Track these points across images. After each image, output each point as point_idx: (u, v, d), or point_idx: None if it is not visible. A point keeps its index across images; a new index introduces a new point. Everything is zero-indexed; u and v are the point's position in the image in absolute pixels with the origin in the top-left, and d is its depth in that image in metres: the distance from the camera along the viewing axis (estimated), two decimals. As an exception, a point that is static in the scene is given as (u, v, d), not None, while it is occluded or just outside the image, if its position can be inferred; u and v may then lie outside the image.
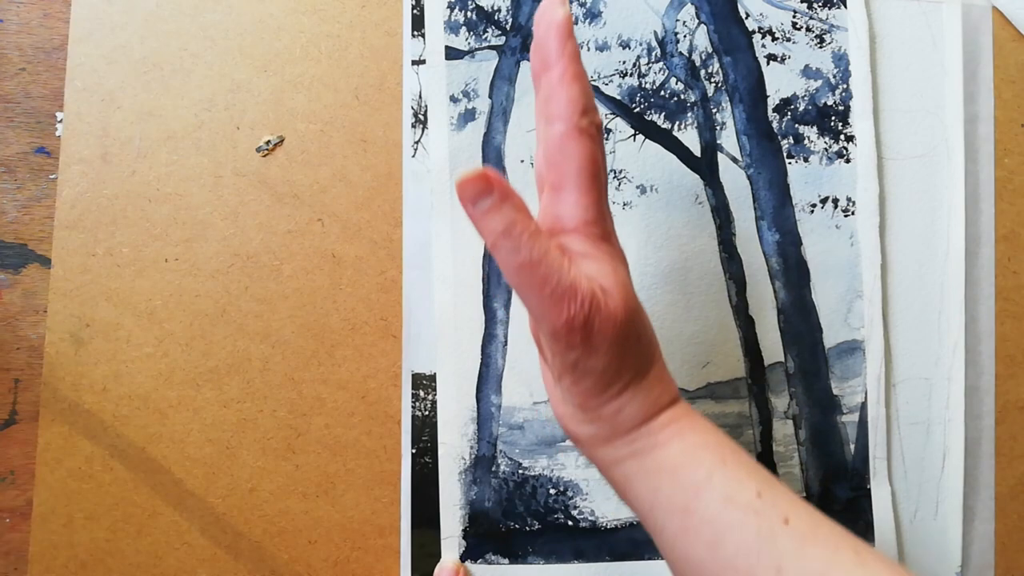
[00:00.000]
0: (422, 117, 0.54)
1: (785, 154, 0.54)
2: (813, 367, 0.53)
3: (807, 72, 0.55)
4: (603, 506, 0.52)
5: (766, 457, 0.53)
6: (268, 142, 0.53)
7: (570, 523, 0.52)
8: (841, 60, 0.55)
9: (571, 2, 0.54)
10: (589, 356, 0.36)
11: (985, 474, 0.54)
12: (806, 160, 0.54)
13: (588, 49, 0.54)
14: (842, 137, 0.54)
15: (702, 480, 0.36)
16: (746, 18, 0.55)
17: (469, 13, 0.54)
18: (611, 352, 0.36)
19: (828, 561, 0.33)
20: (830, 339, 0.53)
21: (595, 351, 0.36)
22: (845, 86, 0.55)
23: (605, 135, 0.54)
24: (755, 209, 0.54)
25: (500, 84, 0.54)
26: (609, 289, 0.36)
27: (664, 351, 0.52)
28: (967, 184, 0.55)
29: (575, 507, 0.52)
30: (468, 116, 0.54)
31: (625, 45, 0.55)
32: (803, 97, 0.55)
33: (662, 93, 0.54)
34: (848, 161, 0.54)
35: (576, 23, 0.54)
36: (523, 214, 0.34)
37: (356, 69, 0.54)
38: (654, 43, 0.55)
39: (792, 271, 0.54)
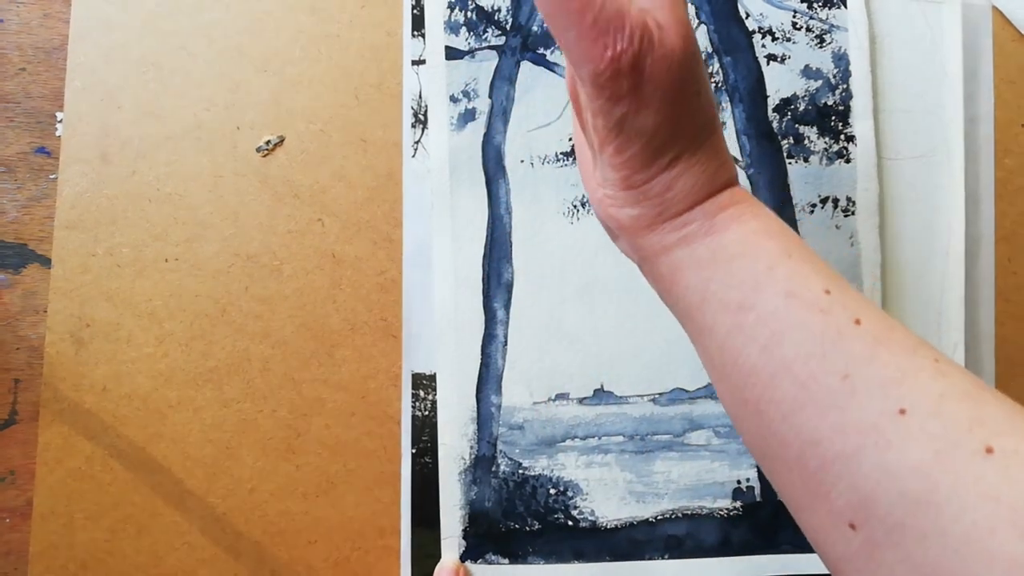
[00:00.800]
0: (422, 117, 0.54)
1: (785, 154, 0.54)
2: (813, 367, 0.53)
3: (807, 72, 0.55)
4: (603, 506, 0.52)
5: (766, 457, 0.53)
6: (268, 142, 0.53)
7: (570, 523, 0.52)
8: (841, 60, 0.55)
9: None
10: (638, 110, 0.31)
11: (985, 474, 0.54)
12: (806, 160, 0.54)
13: (588, 49, 0.54)
14: (842, 137, 0.54)
15: (762, 272, 0.31)
16: (746, 18, 0.55)
17: (469, 13, 0.54)
18: (664, 106, 0.31)
19: (903, 368, 0.28)
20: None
21: (646, 103, 0.30)
22: (845, 86, 0.55)
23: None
24: (755, 209, 0.54)
25: (500, 84, 0.54)
26: (665, 24, 0.30)
27: (664, 351, 0.53)
28: (967, 184, 0.55)
29: (575, 507, 0.52)
30: (468, 116, 0.54)
31: (625, 45, 0.55)
32: (803, 97, 0.55)
33: (662, 93, 0.54)
34: (848, 161, 0.54)
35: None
36: None
37: (356, 69, 0.54)
38: (654, 43, 0.55)
39: (792, 271, 0.54)
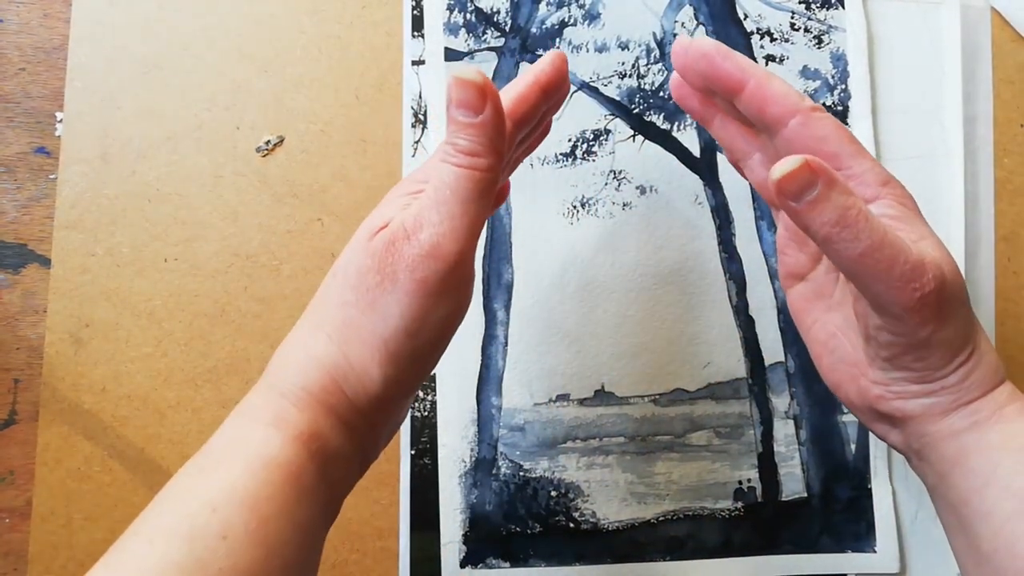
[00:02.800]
0: (422, 117, 0.54)
1: (784, 154, 0.54)
2: (813, 367, 0.53)
3: (805, 73, 0.55)
4: (604, 508, 0.52)
5: (767, 457, 0.53)
6: (268, 142, 0.53)
7: (571, 525, 0.52)
8: (839, 61, 0.55)
9: (570, 3, 0.54)
10: (941, 327, 0.33)
11: (987, 474, 0.54)
12: (805, 160, 0.54)
13: (587, 51, 0.55)
14: (841, 137, 0.54)
15: None
16: (744, 19, 0.55)
17: (468, 15, 0.54)
18: (959, 317, 0.34)
19: None
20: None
21: (947, 320, 0.33)
22: (843, 87, 0.55)
23: (604, 136, 0.54)
24: (755, 209, 0.54)
25: (499, 85, 0.54)
26: (938, 253, 0.33)
27: (664, 351, 0.53)
28: (966, 184, 0.55)
29: (576, 509, 0.52)
30: (468, 117, 0.54)
31: (624, 46, 0.55)
32: (802, 97, 0.55)
33: (661, 94, 0.55)
34: (847, 161, 0.54)
35: (574, 24, 0.55)
36: (852, 196, 0.31)
37: (356, 69, 0.54)
38: (653, 44, 0.55)
39: (792, 271, 0.54)
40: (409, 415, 0.52)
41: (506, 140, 0.35)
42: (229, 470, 0.31)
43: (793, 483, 0.53)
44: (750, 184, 0.42)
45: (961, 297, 0.34)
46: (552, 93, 0.39)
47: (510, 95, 0.38)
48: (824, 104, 0.54)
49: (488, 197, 0.35)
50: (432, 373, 0.52)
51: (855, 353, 0.38)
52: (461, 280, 0.35)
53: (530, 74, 0.38)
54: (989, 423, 0.34)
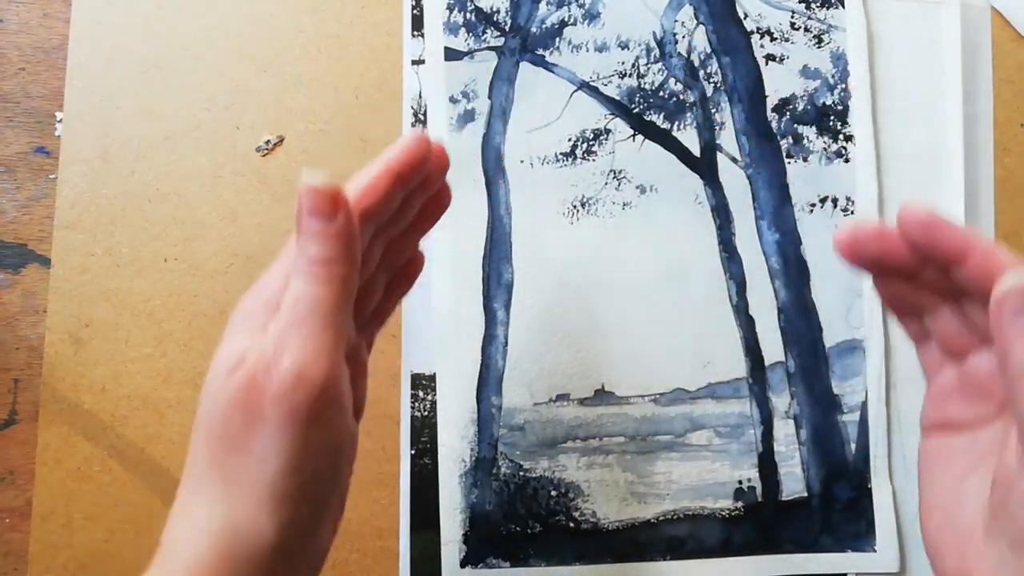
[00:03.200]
0: (422, 117, 0.54)
1: (784, 154, 0.54)
2: (813, 367, 0.53)
3: (806, 72, 0.55)
4: (605, 507, 0.52)
5: (767, 457, 0.53)
6: (268, 142, 0.53)
7: (571, 525, 0.52)
8: (839, 60, 0.55)
9: (570, 3, 0.54)
10: None
11: (987, 474, 0.54)
12: (805, 160, 0.54)
13: (587, 50, 0.55)
14: (841, 137, 0.54)
15: None
16: (744, 18, 0.55)
17: (468, 14, 0.54)
18: None
19: None
20: (830, 338, 0.53)
21: None
22: (843, 86, 0.55)
23: (604, 136, 0.54)
24: (755, 209, 0.54)
25: (499, 85, 0.54)
26: None
27: (664, 351, 0.53)
28: (967, 184, 0.55)
29: (576, 509, 0.52)
30: (467, 117, 0.54)
31: (624, 46, 0.55)
32: (802, 97, 0.55)
33: (661, 93, 0.55)
34: (847, 161, 0.54)
35: (574, 24, 0.55)
36: None
37: (356, 69, 0.54)
38: (653, 44, 0.55)
39: (792, 270, 0.54)
40: (409, 415, 0.52)
41: (359, 244, 0.33)
42: None
43: (793, 483, 0.53)
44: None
45: None
46: (409, 177, 0.36)
47: (358, 185, 0.34)
48: (824, 103, 0.55)
49: (348, 306, 0.33)
50: (431, 372, 0.52)
51: (973, 523, 0.34)
52: (336, 402, 0.32)
53: (380, 160, 0.35)
54: None
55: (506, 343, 0.53)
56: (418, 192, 0.38)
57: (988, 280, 0.32)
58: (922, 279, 0.35)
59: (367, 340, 0.39)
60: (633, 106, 0.54)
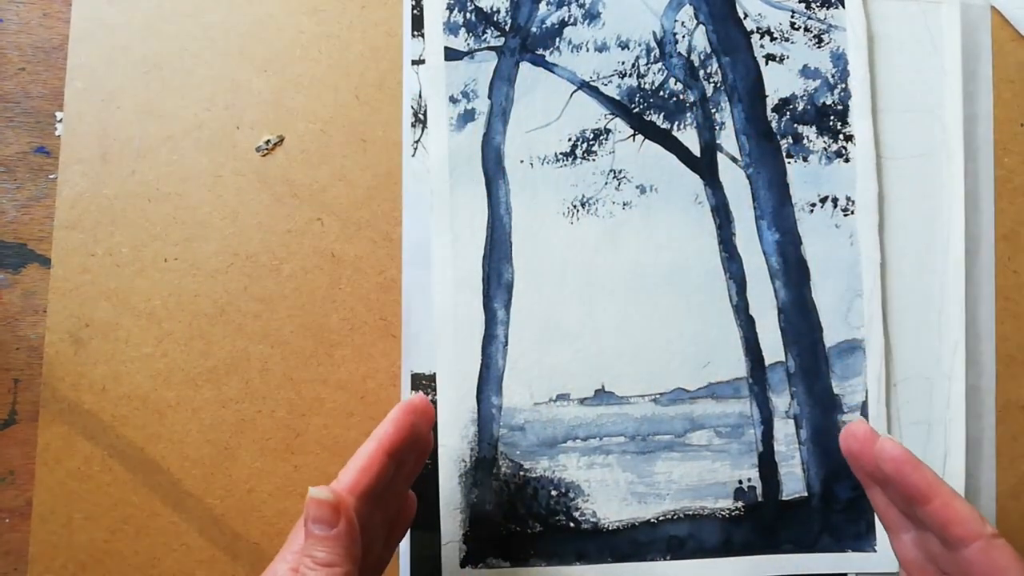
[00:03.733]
0: (422, 117, 0.54)
1: (784, 154, 0.54)
2: (814, 366, 0.53)
3: (806, 72, 0.55)
4: (605, 507, 0.52)
5: (767, 457, 0.53)
6: (268, 142, 0.53)
7: (572, 525, 0.52)
8: (839, 60, 0.55)
9: (570, 3, 0.54)
10: None
11: (986, 474, 0.54)
12: (805, 160, 0.54)
13: (587, 50, 0.55)
14: (841, 136, 0.54)
15: None
16: (744, 18, 0.55)
17: (468, 14, 0.54)
18: None
19: None
20: (830, 338, 0.53)
21: None
22: (844, 86, 0.55)
23: (604, 136, 0.54)
24: (755, 209, 0.54)
25: (499, 85, 0.54)
26: None
27: (664, 351, 0.53)
28: (967, 183, 0.55)
29: (577, 508, 0.52)
30: (467, 117, 0.54)
31: (624, 46, 0.55)
32: (802, 97, 0.55)
33: (661, 93, 0.55)
34: (847, 160, 0.54)
35: (574, 24, 0.55)
36: None
37: (356, 69, 0.54)
38: (653, 44, 0.55)
39: (792, 270, 0.54)
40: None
41: (359, 543, 0.38)
42: None
43: (793, 483, 0.53)
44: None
45: None
46: (401, 451, 0.41)
47: (356, 466, 0.40)
48: (824, 103, 0.55)
49: None
50: (432, 372, 0.52)
51: None
52: None
53: (374, 439, 0.41)
54: None
55: (506, 343, 0.53)
56: (409, 452, 0.43)
57: (945, 527, 0.38)
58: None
59: None
60: (633, 106, 0.54)
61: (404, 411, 0.41)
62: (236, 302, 0.52)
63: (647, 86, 0.55)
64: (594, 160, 0.54)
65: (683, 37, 0.55)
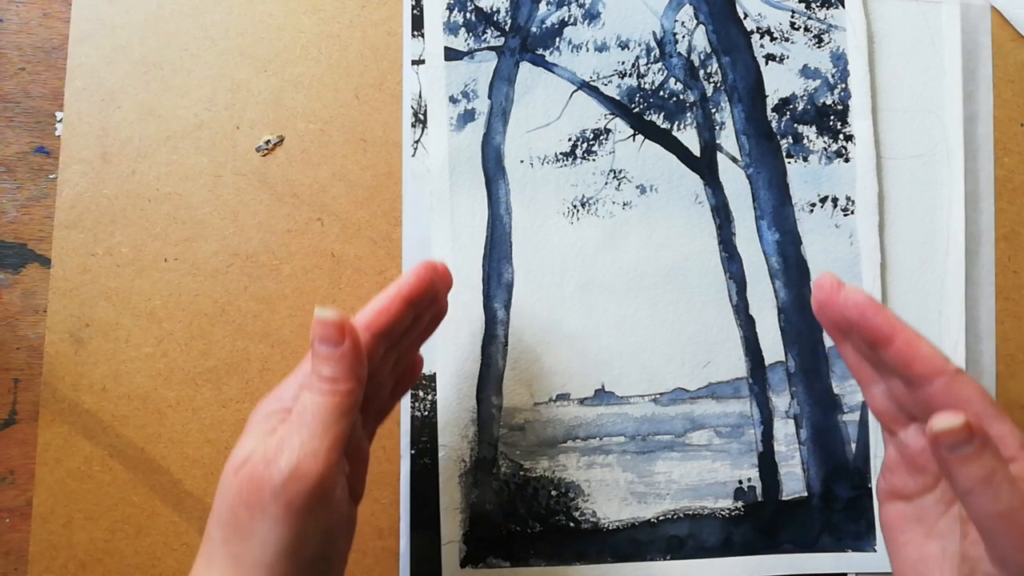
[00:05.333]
0: (422, 117, 0.54)
1: (784, 153, 0.54)
2: (814, 366, 0.53)
3: (806, 72, 0.55)
4: (605, 507, 0.52)
5: (767, 457, 0.53)
6: (268, 142, 0.53)
7: (572, 524, 0.52)
8: (839, 60, 0.55)
9: (570, 3, 0.54)
10: None
11: (987, 473, 0.54)
12: (805, 159, 0.54)
13: (587, 50, 0.55)
14: (841, 136, 0.54)
15: None
16: (744, 18, 0.55)
17: (468, 14, 0.54)
18: None
19: None
20: (830, 338, 0.53)
21: None
22: (844, 86, 0.55)
23: (604, 136, 0.54)
24: (755, 208, 0.54)
25: (499, 85, 0.54)
26: None
27: (665, 351, 0.53)
28: (967, 183, 0.55)
29: (576, 508, 0.52)
30: (467, 117, 0.54)
31: (624, 46, 0.55)
32: (802, 97, 0.55)
33: (661, 93, 0.55)
34: (847, 160, 0.54)
35: (574, 24, 0.55)
36: (1000, 460, 0.33)
37: (356, 69, 0.54)
38: (653, 43, 0.55)
39: (792, 270, 0.54)
40: (409, 415, 0.52)
41: (364, 364, 0.38)
42: None
43: (793, 482, 0.53)
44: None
45: None
46: (419, 302, 0.42)
47: (375, 307, 0.41)
48: (824, 103, 0.55)
49: (351, 416, 0.38)
50: (432, 372, 0.52)
51: None
52: (328, 496, 0.36)
53: (394, 285, 0.41)
54: None
55: (506, 343, 0.53)
56: (426, 309, 0.44)
57: (909, 365, 0.37)
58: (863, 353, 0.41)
59: (369, 434, 0.44)
60: (633, 106, 0.54)
61: (426, 268, 0.42)
62: (236, 302, 0.52)
63: (647, 86, 0.55)
64: (594, 160, 0.54)
65: (683, 37, 0.55)
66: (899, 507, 0.42)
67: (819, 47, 0.55)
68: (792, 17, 0.55)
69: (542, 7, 0.54)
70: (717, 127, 0.54)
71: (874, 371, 0.42)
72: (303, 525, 0.36)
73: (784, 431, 0.53)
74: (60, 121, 0.53)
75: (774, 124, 0.55)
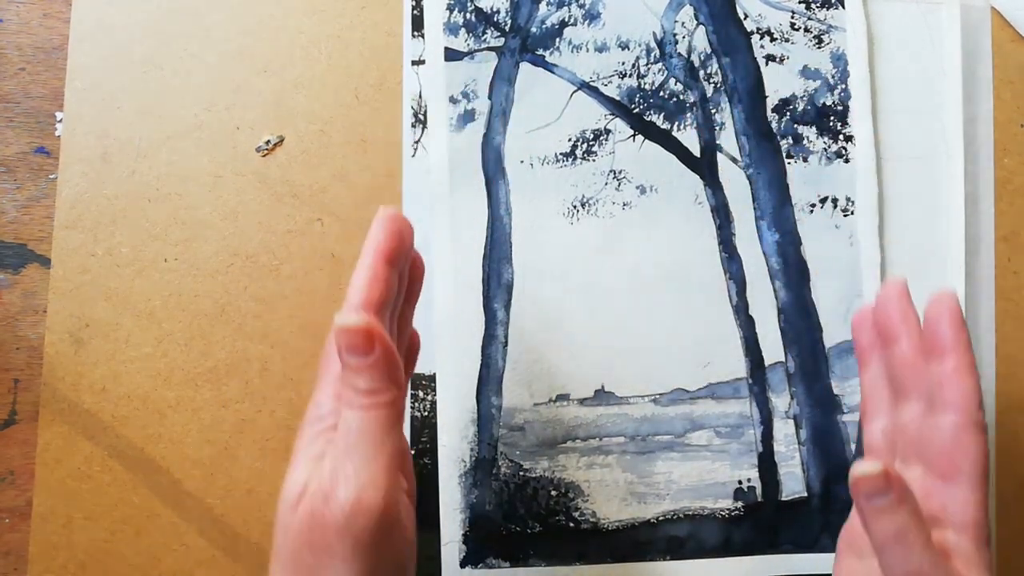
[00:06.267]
0: (422, 117, 0.54)
1: (784, 154, 0.54)
2: (813, 367, 0.53)
3: (806, 72, 0.55)
4: (605, 507, 0.52)
5: (767, 457, 0.53)
6: (268, 142, 0.53)
7: (572, 525, 0.52)
8: (839, 60, 0.55)
9: (570, 3, 0.54)
10: None
11: (986, 474, 0.54)
12: (805, 160, 0.54)
13: (587, 50, 0.55)
14: (841, 137, 0.55)
15: None
16: (744, 19, 0.55)
17: (468, 15, 0.54)
18: None
19: None
20: (830, 339, 0.53)
21: None
22: (844, 86, 0.55)
23: (604, 136, 0.54)
24: (755, 209, 0.54)
25: (499, 85, 0.54)
26: None
27: (664, 351, 0.53)
28: (966, 184, 0.55)
29: (576, 508, 0.52)
30: (468, 117, 0.54)
31: (624, 46, 0.55)
32: (802, 97, 0.55)
33: (661, 94, 0.55)
34: (847, 161, 0.54)
35: (574, 24, 0.55)
36: (917, 519, 0.32)
37: (356, 69, 0.54)
38: (653, 44, 0.55)
39: (792, 271, 0.54)
40: (409, 415, 0.52)
41: (401, 367, 0.35)
42: None
43: (793, 483, 0.53)
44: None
45: None
46: (400, 256, 0.38)
47: (363, 280, 0.36)
48: (824, 103, 0.55)
49: (399, 426, 0.35)
50: (431, 373, 0.52)
51: None
52: (395, 525, 0.34)
53: (370, 250, 0.37)
54: None
55: (506, 343, 0.53)
56: (404, 262, 0.39)
57: (944, 386, 0.36)
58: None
59: None
60: (633, 106, 0.54)
61: (387, 218, 0.37)
62: (236, 302, 0.52)
63: (647, 86, 0.55)
64: (594, 160, 0.54)
65: (683, 37, 0.55)
66: (852, 564, 0.41)
67: (819, 48, 0.55)
68: (792, 18, 0.55)
69: (542, 7, 0.54)
70: (717, 127, 0.54)
71: (883, 404, 0.41)
72: (373, 561, 0.33)
73: (784, 431, 0.53)
74: (60, 121, 0.53)
75: (774, 125, 0.55)
